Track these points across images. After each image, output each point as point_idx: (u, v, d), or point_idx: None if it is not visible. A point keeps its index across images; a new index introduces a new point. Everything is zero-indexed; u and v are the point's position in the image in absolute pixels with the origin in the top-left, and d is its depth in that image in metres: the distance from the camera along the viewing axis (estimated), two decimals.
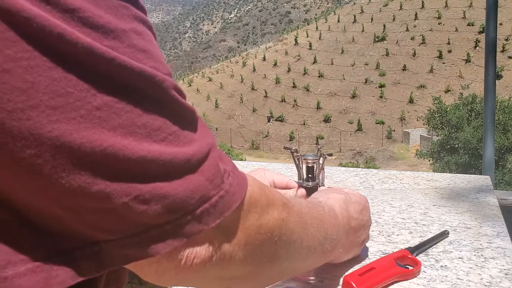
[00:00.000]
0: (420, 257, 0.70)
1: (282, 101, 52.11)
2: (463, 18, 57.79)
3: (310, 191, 0.73)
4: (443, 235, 0.78)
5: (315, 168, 0.74)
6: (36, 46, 0.25)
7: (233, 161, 1.52)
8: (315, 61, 58.12)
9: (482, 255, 0.71)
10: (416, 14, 62.07)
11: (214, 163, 0.33)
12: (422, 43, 55.54)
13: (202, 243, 0.34)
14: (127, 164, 0.28)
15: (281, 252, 0.42)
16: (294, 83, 54.27)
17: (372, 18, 65.11)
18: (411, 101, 46.64)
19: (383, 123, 43.93)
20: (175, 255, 0.33)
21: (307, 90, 52.67)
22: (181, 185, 0.31)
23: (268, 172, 0.79)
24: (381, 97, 48.24)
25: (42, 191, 0.27)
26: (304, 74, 55.93)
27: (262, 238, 0.39)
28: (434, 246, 0.75)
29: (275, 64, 60.48)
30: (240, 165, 1.35)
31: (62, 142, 0.26)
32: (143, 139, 0.29)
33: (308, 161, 0.74)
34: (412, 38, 57.14)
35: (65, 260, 0.28)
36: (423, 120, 29.60)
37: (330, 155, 0.76)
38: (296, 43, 65.09)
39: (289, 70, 57.78)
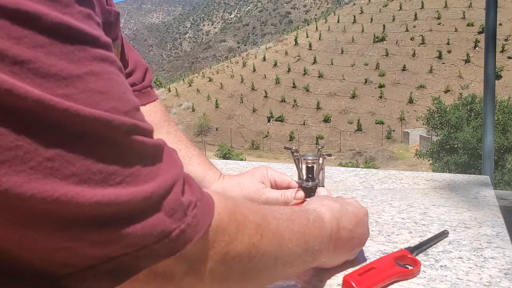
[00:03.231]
0: (420, 257, 0.70)
1: (282, 101, 52.11)
2: (462, 18, 57.82)
3: (309, 191, 0.73)
4: (443, 235, 0.78)
5: (314, 168, 0.74)
6: None
7: (233, 161, 1.52)
8: (315, 61, 58.13)
9: (481, 255, 0.71)
10: (415, 14, 62.09)
11: (176, 197, 0.33)
12: (421, 44, 55.56)
13: (163, 273, 0.35)
14: (82, 210, 0.28)
15: (253, 273, 0.42)
16: (294, 83, 54.28)
17: (371, 19, 65.12)
18: (410, 101, 46.65)
19: (382, 123, 43.94)
20: (136, 284, 0.33)
21: (307, 90, 52.67)
22: (140, 223, 0.31)
23: (270, 171, 0.79)
24: (380, 97, 48.25)
25: (1, 237, 0.28)
26: (304, 74, 55.93)
27: (230, 264, 0.39)
28: (434, 246, 0.75)
29: (275, 65, 60.48)
30: (241, 165, 1.36)
31: (12, 194, 0.26)
32: (98, 185, 0.29)
33: (308, 161, 0.74)
34: (412, 39, 57.15)
35: None
36: (422, 120, 29.60)
37: (329, 155, 0.76)
38: (296, 43, 65.09)
39: (289, 70, 57.78)
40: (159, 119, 0.81)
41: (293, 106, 50.94)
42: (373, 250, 0.74)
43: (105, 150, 0.29)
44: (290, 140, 43.97)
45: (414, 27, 59.73)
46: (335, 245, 0.59)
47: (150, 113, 0.80)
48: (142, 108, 0.78)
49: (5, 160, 0.26)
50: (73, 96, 0.28)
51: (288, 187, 0.76)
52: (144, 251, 0.32)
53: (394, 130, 42.48)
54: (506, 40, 50.39)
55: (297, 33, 69.12)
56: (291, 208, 0.58)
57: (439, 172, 2.45)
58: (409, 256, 0.68)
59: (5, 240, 0.28)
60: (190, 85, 63.55)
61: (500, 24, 48.76)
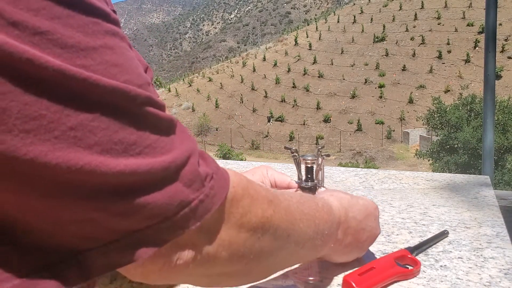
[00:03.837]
0: (420, 257, 0.70)
1: (282, 101, 52.10)
2: (462, 18, 57.80)
3: (309, 191, 0.73)
4: (443, 235, 0.78)
5: (314, 169, 0.74)
6: (6, 73, 0.25)
7: (233, 161, 1.52)
8: (315, 62, 58.11)
9: (481, 255, 0.71)
10: (415, 14, 62.08)
11: (193, 169, 0.34)
12: (421, 44, 55.55)
13: (184, 245, 0.36)
14: (105, 179, 0.29)
15: (267, 249, 0.43)
16: (294, 83, 54.27)
17: (371, 19, 65.12)
18: (410, 101, 46.63)
19: (382, 123, 43.93)
20: (158, 258, 0.35)
21: (307, 90, 52.66)
22: (160, 193, 0.32)
23: (270, 171, 0.79)
24: (380, 97, 48.24)
25: (25, 208, 0.28)
26: (304, 74, 55.92)
27: (245, 236, 0.40)
28: (434, 246, 0.75)
29: (275, 65, 60.47)
30: (241, 165, 1.36)
31: (38, 163, 0.26)
32: (120, 155, 0.30)
33: (307, 161, 0.74)
34: (412, 39, 57.14)
35: (50, 274, 0.29)
36: (422, 120, 29.60)
37: (328, 155, 0.76)
38: (296, 43, 65.08)
39: (289, 71, 57.77)
40: None
41: (293, 106, 50.93)
42: (373, 250, 0.73)
43: (124, 121, 0.30)
44: (290, 140, 43.97)
45: (414, 27, 59.72)
46: (344, 233, 0.59)
47: None
48: None
49: (31, 129, 0.26)
50: (91, 67, 0.28)
51: (288, 187, 0.77)
52: (166, 223, 0.33)
53: (394, 130, 42.47)
54: (506, 40, 50.37)
55: (297, 33, 69.11)
56: (299, 193, 0.59)
57: (439, 172, 2.45)
58: (409, 256, 0.68)
59: (31, 211, 0.28)
60: (190, 85, 63.54)
61: (500, 24, 48.76)
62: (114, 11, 0.66)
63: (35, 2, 0.27)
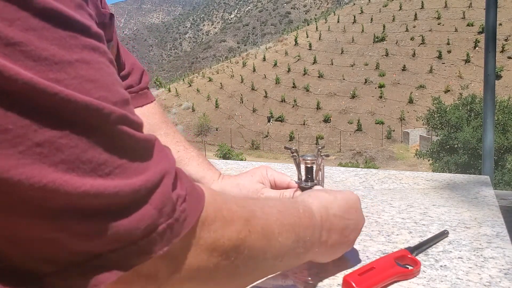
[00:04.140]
0: (420, 257, 0.70)
1: (282, 101, 52.11)
2: (462, 18, 57.81)
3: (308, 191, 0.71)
4: (443, 235, 0.78)
5: (314, 169, 0.74)
6: None
7: (233, 161, 1.51)
8: (315, 62, 58.13)
9: (481, 255, 0.71)
10: (415, 14, 62.09)
11: (165, 191, 0.33)
12: (421, 44, 55.56)
13: (148, 271, 0.34)
14: (69, 199, 0.28)
15: (241, 269, 0.42)
16: (294, 83, 54.28)
17: (371, 19, 65.13)
18: (410, 101, 46.65)
19: (382, 123, 43.94)
20: (121, 284, 0.33)
21: (307, 90, 52.67)
22: (128, 216, 0.30)
23: (270, 171, 0.79)
24: (380, 97, 48.25)
25: None
26: (304, 74, 55.93)
27: (217, 260, 0.38)
28: (434, 246, 0.75)
29: (275, 65, 60.48)
30: (241, 165, 1.36)
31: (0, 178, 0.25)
32: (87, 174, 0.28)
33: (307, 161, 0.74)
34: (412, 39, 57.15)
35: None
36: (422, 120, 29.60)
37: (327, 155, 0.76)
38: (296, 43, 65.09)
39: (289, 71, 57.78)
40: (157, 120, 0.81)
41: (293, 106, 50.94)
42: (373, 250, 0.73)
43: (95, 139, 0.29)
44: (290, 140, 43.97)
45: (414, 27, 59.74)
46: (328, 233, 0.57)
47: (148, 115, 0.80)
48: (140, 110, 0.79)
49: None
50: (64, 82, 0.28)
51: (287, 187, 0.76)
52: (131, 248, 0.31)
53: (394, 130, 42.48)
54: (506, 40, 50.38)
55: (297, 33, 69.12)
56: (281, 199, 0.58)
57: (439, 172, 2.46)
58: (409, 256, 0.68)
59: None
60: (190, 85, 63.54)
61: (500, 24, 48.76)
62: (111, 15, 0.61)
63: (10, 12, 0.26)
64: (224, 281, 0.41)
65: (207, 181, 0.79)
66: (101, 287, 0.30)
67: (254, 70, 60.68)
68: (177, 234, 0.34)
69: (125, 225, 0.30)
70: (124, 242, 0.31)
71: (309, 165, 0.74)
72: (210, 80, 63.12)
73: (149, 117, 0.80)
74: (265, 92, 54.37)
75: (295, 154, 0.75)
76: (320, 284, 0.63)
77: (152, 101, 0.82)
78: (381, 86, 49.47)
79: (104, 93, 0.30)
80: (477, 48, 50.56)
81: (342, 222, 0.59)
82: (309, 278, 0.64)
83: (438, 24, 58.91)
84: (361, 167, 7.80)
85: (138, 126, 0.33)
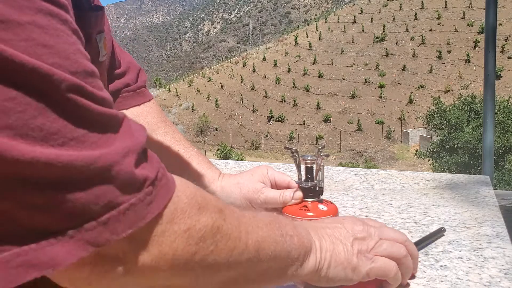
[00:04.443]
0: (420, 257, 0.70)
1: (282, 101, 52.13)
2: (462, 18, 57.83)
3: (308, 191, 0.73)
4: (439, 232, 0.76)
5: (314, 169, 0.74)
6: None
7: (233, 161, 1.51)
8: (315, 62, 58.14)
9: (481, 255, 0.71)
10: (415, 14, 62.11)
11: (128, 169, 0.31)
12: (421, 44, 55.58)
13: (114, 255, 0.32)
14: (16, 166, 0.26)
15: (220, 260, 0.39)
16: (294, 83, 54.29)
17: (371, 19, 65.13)
18: (410, 101, 46.68)
19: (382, 123, 43.96)
20: (85, 265, 0.31)
21: (307, 90, 52.69)
22: (84, 190, 0.29)
23: (271, 171, 0.79)
24: (380, 97, 48.28)
25: None
26: (304, 75, 55.95)
27: (194, 248, 0.37)
28: (434, 246, 0.75)
29: (275, 65, 60.49)
30: (241, 165, 1.36)
31: None
32: (37, 142, 0.27)
33: (307, 161, 0.74)
34: (412, 39, 57.17)
35: None
36: (422, 120, 29.64)
37: (327, 155, 0.75)
38: (296, 43, 65.10)
39: (289, 71, 57.79)
40: (155, 119, 0.80)
41: (293, 106, 50.96)
42: None
43: (45, 106, 0.27)
44: (290, 140, 43.99)
45: (414, 27, 59.75)
46: (320, 239, 0.52)
47: (147, 113, 0.79)
48: (138, 109, 0.78)
49: None
50: (11, 42, 0.26)
51: (288, 187, 0.76)
52: (91, 224, 0.30)
53: (394, 130, 42.50)
54: (506, 40, 50.42)
55: (297, 33, 69.14)
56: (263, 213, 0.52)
57: (439, 172, 2.46)
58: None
59: None
60: (190, 85, 63.54)
61: (500, 24, 48.77)
62: (102, 7, 0.58)
63: None
64: (203, 273, 0.39)
65: (207, 180, 0.78)
66: (60, 268, 0.29)
67: (254, 70, 60.69)
68: (142, 217, 0.32)
69: (81, 199, 0.29)
70: (82, 218, 0.29)
71: (309, 165, 0.74)
72: (210, 80, 63.13)
73: (147, 116, 0.79)
74: (265, 92, 54.38)
75: (295, 154, 0.75)
76: (320, 284, 0.60)
77: (150, 100, 0.81)
78: (381, 86, 49.49)
79: (59, 60, 0.28)
80: (477, 48, 50.58)
81: (335, 225, 0.55)
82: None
83: (438, 24, 58.93)
84: (361, 167, 7.80)
85: (100, 100, 0.31)
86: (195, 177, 0.77)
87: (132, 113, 0.76)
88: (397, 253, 0.55)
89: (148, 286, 0.36)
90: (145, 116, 0.78)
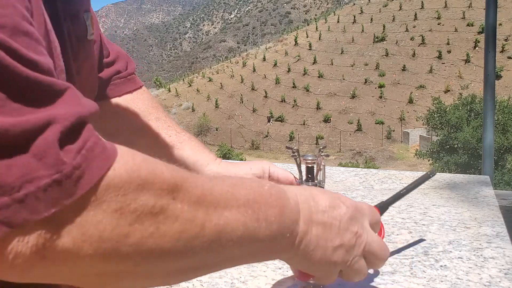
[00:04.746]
0: (420, 257, 0.70)
1: (282, 101, 52.12)
2: (462, 18, 57.82)
3: None
4: (427, 176, 0.72)
5: (314, 168, 0.75)
6: None
7: (233, 161, 1.50)
8: (315, 62, 58.13)
9: (481, 255, 0.71)
10: (415, 14, 62.09)
11: (49, 140, 0.28)
12: (421, 44, 55.57)
13: (33, 237, 0.28)
14: None
15: (164, 245, 0.34)
16: (294, 83, 54.28)
17: (371, 19, 65.13)
18: (410, 101, 46.67)
19: (382, 123, 43.96)
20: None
21: (307, 90, 52.68)
22: None
23: (273, 167, 0.79)
24: (380, 97, 48.27)
25: None
26: (304, 75, 55.94)
27: (124, 230, 0.31)
28: (434, 246, 0.75)
29: (275, 65, 60.49)
30: None
31: None
32: None
33: (308, 161, 0.74)
34: (412, 39, 57.16)
35: None
36: (422, 120, 29.64)
37: (327, 156, 0.76)
38: (296, 43, 65.09)
39: (289, 71, 57.78)
40: (147, 106, 0.80)
41: (293, 106, 50.96)
42: None
43: None
44: (290, 140, 44.00)
45: (414, 27, 59.74)
46: (308, 225, 0.46)
47: (138, 100, 0.79)
48: (129, 96, 0.77)
49: None
50: None
51: (290, 185, 0.75)
52: (3, 201, 0.26)
53: (394, 130, 42.50)
54: (506, 40, 50.42)
55: (297, 33, 69.14)
56: (245, 177, 0.47)
57: (439, 172, 2.45)
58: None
59: None
60: (190, 85, 63.54)
61: (500, 24, 48.74)
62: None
63: None
64: (145, 261, 0.34)
65: (201, 164, 0.78)
66: None
67: (254, 70, 60.68)
68: (70, 194, 0.28)
69: None
70: None
71: (310, 165, 0.74)
72: (210, 80, 63.12)
73: (139, 102, 0.79)
74: (265, 92, 54.38)
75: (296, 154, 0.75)
76: (320, 284, 0.61)
77: (140, 86, 0.81)
78: (381, 86, 49.48)
79: None
80: (477, 48, 50.57)
81: (332, 221, 0.48)
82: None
83: (438, 24, 58.92)
84: (361, 167, 7.80)
85: (32, 63, 0.28)
86: (188, 162, 0.77)
87: (125, 100, 0.76)
88: (362, 274, 0.51)
89: (79, 275, 0.32)
90: (137, 103, 0.78)
